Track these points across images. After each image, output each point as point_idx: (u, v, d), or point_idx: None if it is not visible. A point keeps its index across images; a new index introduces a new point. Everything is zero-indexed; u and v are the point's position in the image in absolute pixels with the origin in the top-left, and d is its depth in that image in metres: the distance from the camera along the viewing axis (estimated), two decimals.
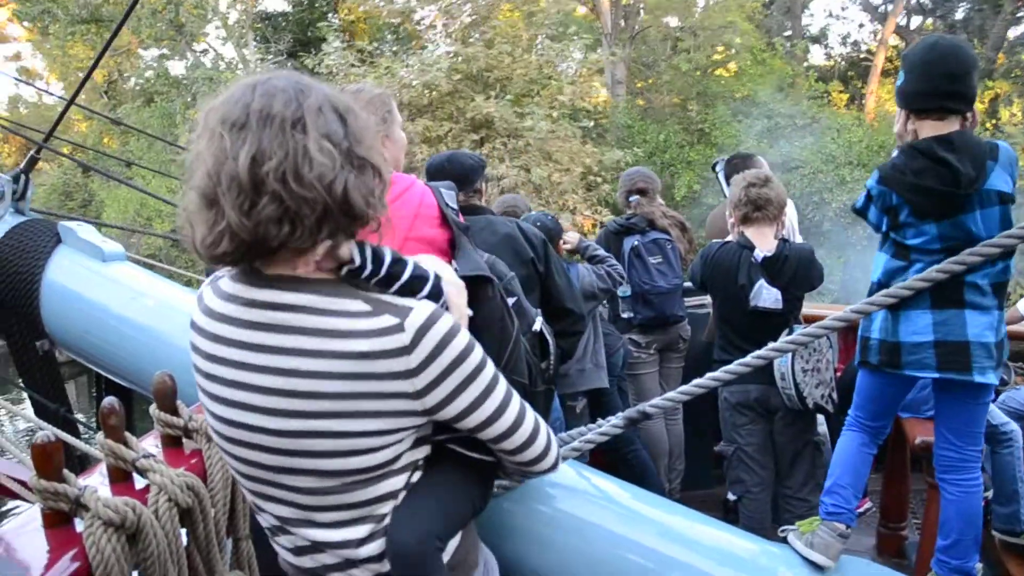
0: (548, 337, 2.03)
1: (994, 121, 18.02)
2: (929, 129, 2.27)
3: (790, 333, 3.02)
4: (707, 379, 2.18)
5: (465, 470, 1.35)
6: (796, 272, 3.11)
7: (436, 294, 1.26)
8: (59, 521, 1.32)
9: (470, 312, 1.37)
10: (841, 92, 20.89)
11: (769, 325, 3.09)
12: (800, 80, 19.52)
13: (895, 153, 2.37)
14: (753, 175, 3.29)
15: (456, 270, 1.76)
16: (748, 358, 2.18)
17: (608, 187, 14.28)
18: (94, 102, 21.21)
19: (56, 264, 2.62)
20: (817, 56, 23.38)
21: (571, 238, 3.75)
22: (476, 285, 1.72)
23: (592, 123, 15.72)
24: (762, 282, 3.10)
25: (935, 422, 2.48)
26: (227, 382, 1.19)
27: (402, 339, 1.13)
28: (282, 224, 1.08)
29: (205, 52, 21.08)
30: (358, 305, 1.15)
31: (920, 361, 2.28)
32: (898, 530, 3.72)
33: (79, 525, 1.30)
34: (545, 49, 14.83)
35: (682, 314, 4.20)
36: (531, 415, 1.31)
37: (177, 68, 21.29)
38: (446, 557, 1.29)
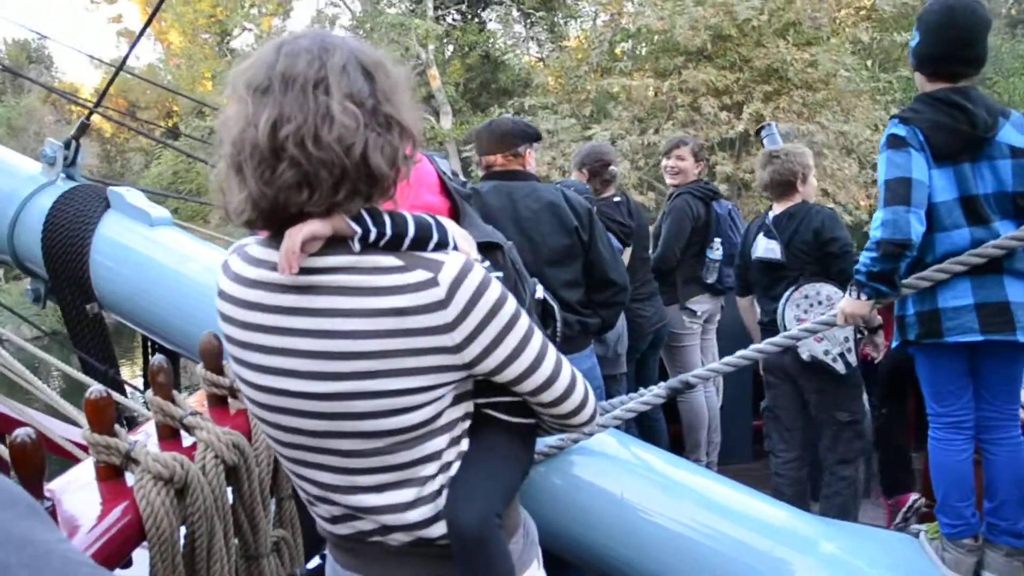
0: (551, 303, 2.02)
1: None
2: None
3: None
4: (751, 351, 2.16)
5: (511, 437, 1.33)
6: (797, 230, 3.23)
7: (443, 243, 1.21)
8: (111, 475, 1.35)
9: (480, 258, 1.30)
10: None
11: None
12: None
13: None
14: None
15: None
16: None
17: None
18: (212, 60, 21.15)
19: (105, 228, 2.65)
20: None
21: None
22: (486, 252, 1.71)
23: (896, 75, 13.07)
24: (760, 235, 3.31)
25: (974, 387, 2.42)
26: (266, 349, 1.18)
27: (437, 293, 1.12)
28: (301, 190, 1.09)
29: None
30: (390, 260, 1.14)
31: (962, 326, 2.25)
32: None
33: (130, 479, 1.33)
34: None
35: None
36: (567, 366, 1.30)
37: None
38: None
